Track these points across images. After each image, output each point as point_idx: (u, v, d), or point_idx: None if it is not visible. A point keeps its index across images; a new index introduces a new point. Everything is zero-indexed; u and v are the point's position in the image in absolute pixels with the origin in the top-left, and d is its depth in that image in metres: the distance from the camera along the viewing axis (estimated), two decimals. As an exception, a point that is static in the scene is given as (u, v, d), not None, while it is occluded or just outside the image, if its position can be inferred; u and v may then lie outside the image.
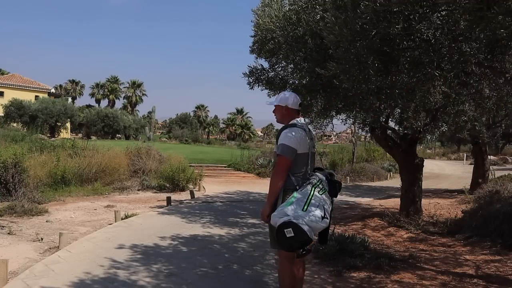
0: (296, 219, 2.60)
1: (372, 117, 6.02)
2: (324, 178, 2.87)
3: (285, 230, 2.58)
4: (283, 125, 3.03)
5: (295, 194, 2.76)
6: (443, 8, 3.11)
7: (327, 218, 2.70)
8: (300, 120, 3.02)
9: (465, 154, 30.37)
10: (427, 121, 6.32)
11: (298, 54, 5.15)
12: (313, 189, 2.75)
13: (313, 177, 2.85)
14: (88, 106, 54.03)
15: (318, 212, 2.65)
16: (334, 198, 2.94)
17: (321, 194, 2.75)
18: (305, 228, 2.58)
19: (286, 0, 5.56)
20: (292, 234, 2.57)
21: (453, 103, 5.16)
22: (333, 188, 2.87)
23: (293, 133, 2.86)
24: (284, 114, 3.05)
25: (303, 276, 3.08)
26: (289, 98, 3.05)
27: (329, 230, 3.11)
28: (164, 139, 44.14)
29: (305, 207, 2.65)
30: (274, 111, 3.13)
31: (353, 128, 18.98)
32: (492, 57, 3.50)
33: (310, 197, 2.70)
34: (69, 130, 37.91)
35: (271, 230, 2.90)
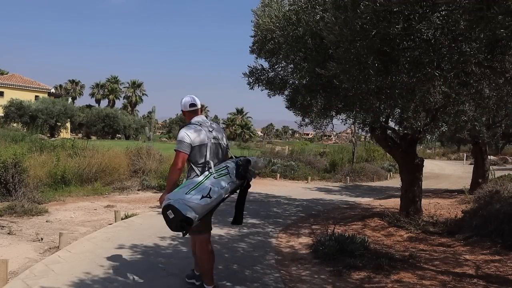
0: (174, 202, 2.96)
1: (372, 117, 6.02)
2: (231, 164, 3.25)
3: (166, 212, 2.97)
4: None
5: (185, 181, 3.18)
6: (443, 8, 3.11)
7: (209, 197, 3.02)
8: (197, 117, 3.40)
9: (465, 154, 30.37)
10: (427, 121, 6.32)
11: (298, 54, 5.14)
12: (208, 175, 3.14)
13: (220, 165, 3.25)
14: (88, 106, 54.02)
15: (200, 193, 3.00)
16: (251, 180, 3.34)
17: (217, 178, 3.13)
18: (181, 208, 2.92)
19: (286, 0, 5.56)
20: (173, 215, 2.95)
21: (453, 103, 5.16)
22: (237, 171, 3.22)
23: (186, 129, 3.26)
24: (186, 117, 3.48)
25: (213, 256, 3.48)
26: (182, 103, 3.47)
27: (243, 211, 3.47)
28: (164, 139, 44.14)
29: (190, 191, 3.02)
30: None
31: (353, 128, 18.99)
32: (492, 57, 3.51)
33: (199, 181, 3.08)
34: (69, 130, 37.89)
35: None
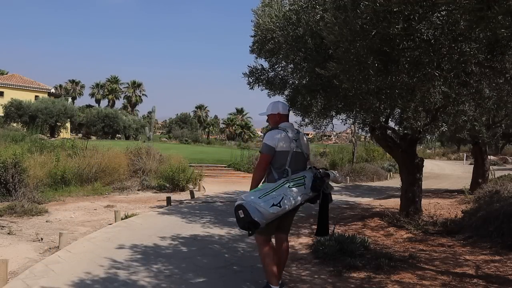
0: (246, 203, 3.03)
1: (372, 117, 6.01)
2: (309, 174, 3.28)
3: (238, 211, 3.07)
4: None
5: (262, 184, 3.27)
6: (443, 8, 3.11)
7: (279, 206, 3.06)
8: (285, 123, 3.45)
9: (465, 154, 30.39)
10: (427, 121, 6.31)
11: (298, 54, 5.14)
12: (283, 183, 3.16)
13: (297, 173, 3.26)
14: (88, 106, 54.06)
15: (271, 201, 3.04)
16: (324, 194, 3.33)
17: (291, 187, 3.16)
18: (251, 210, 3.00)
19: (286, 0, 5.55)
20: (243, 215, 3.03)
21: (453, 103, 5.15)
22: (313, 184, 3.25)
23: (273, 134, 3.33)
24: (276, 120, 3.49)
25: (286, 255, 3.54)
26: (280, 106, 3.53)
27: (328, 223, 3.48)
28: (164, 139, 44.14)
29: (263, 195, 3.06)
30: (268, 120, 3.59)
31: (353, 128, 18.99)
32: (492, 57, 3.50)
33: (273, 188, 3.12)
34: (69, 130, 37.89)
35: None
